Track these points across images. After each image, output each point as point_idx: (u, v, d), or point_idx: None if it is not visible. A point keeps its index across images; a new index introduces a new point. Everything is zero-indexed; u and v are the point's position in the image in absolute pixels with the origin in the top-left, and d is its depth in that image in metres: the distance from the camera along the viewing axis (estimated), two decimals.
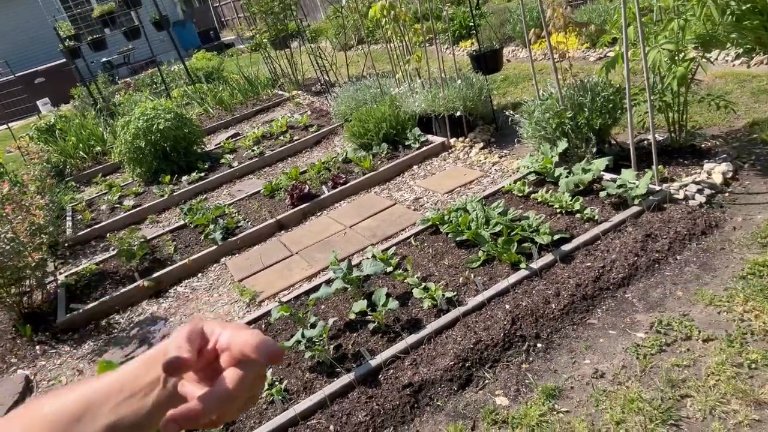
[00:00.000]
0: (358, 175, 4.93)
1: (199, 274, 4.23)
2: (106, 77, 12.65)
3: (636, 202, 3.17)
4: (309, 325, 2.89)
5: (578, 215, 3.27)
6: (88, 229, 5.59)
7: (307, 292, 3.33)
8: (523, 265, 2.94)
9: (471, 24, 9.41)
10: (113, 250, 4.74)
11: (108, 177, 7.41)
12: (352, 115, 5.59)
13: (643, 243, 2.96)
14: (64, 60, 13.05)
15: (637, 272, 2.85)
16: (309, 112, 7.44)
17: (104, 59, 17.67)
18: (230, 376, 0.55)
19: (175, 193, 5.92)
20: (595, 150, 3.62)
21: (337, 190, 4.74)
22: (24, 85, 15.28)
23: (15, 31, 17.59)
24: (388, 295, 2.89)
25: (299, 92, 8.71)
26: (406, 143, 5.22)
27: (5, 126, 14.04)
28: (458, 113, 4.92)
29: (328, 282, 3.17)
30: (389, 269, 3.24)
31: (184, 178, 6.22)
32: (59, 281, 4.47)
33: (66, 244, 5.26)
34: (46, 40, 15.86)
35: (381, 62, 8.42)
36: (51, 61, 15.62)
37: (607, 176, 3.54)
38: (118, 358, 3.42)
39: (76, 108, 11.42)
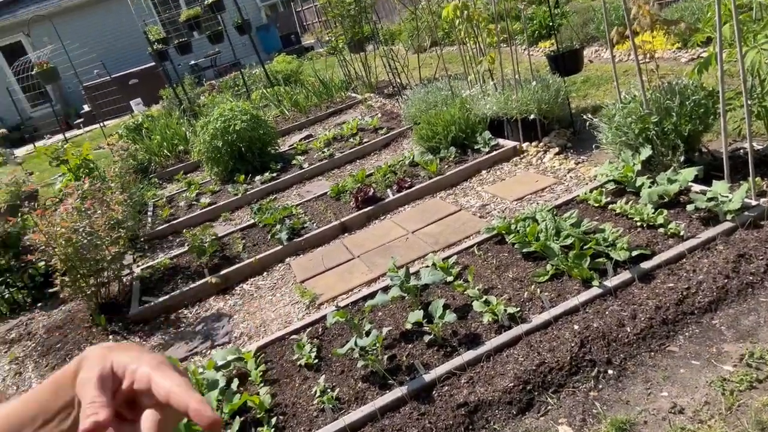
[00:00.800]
0: (424, 179, 4.82)
1: (265, 273, 4.27)
2: (193, 79, 13.30)
3: (728, 217, 2.85)
4: (364, 332, 2.82)
5: (661, 230, 2.98)
6: (166, 225, 5.83)
7: (365, 298, 3.25)
8: (595, 283, 2.72)
9: (551, 24, 9.05)
10: (187, 245, 4.89)
11: (189, 175, 7.73)
12: (421, 118, 5.48)
13: (735, 264, 2.65)
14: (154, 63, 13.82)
15: (727, 296, 2.55)
16: (379, 115, 7.40)
17: (192, 62, 18.61)
18: (151, 418, 0.50)
19: (248, 192, 6.06)
20: (682, 159, 3.30)
21: (401, 193, 4.65)
22: (119, 86, 16.38)
23: (110, 36, 18.86)
24: (445, 307, 2.76)
25: (372, 95, 8.70)
26: (476, 147, 5.04)
27: (102, 124, 15.11)
28: (532, 116, 4.69)
29: (386, 289, 3.08)
30: (449, 279, 3.10)
31: (258, 177, 6.35)
32: (135, 274, 4.67)
33: (143, 239, 5.50)
34: (138, 44, 16.86)
35: (454, 64, 8.25)
36: (142, 64, 16.59)
37: (696, 188, 3.22)
38: (183, 353, 3.51)
39: (164, 108, 12.07)
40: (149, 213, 6.39)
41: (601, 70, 6.68)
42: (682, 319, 2.51)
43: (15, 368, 3.96)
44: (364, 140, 6.59)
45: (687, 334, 2.46)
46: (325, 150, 6.53)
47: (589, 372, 2.39)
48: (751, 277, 2.59)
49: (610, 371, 2.38)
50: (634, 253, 2.79)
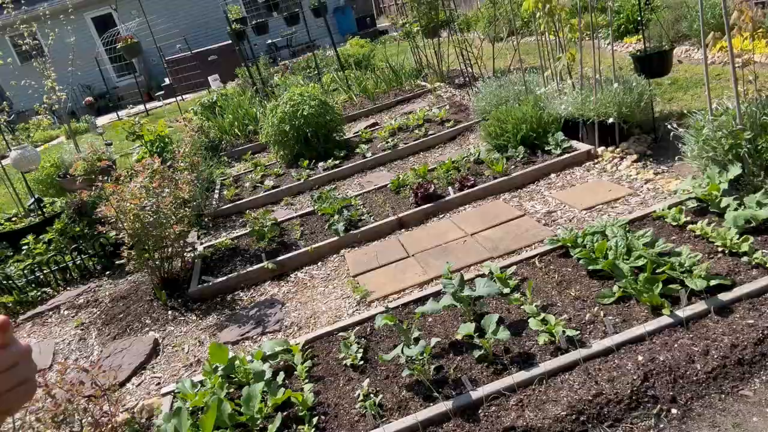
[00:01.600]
0: (488, 179, 4.66)
1: (319, 263, 4.28)
2: (267, 59, 13.52)
3: None
4: (412, 339, 2.75)
5: (745, 258, 2.72)
6: (231, 204, 5.96)
7: (417, 301, 3.18)
8: (666, 311, 2.51)
9: (639, 18, 8.51)
10: (249, 227, 4.97)
11: (256, 155, 7.87)
12: (490, 113, 5.30)
13: None
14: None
15: None
16: (447, 106, 7.23)
17: (269, 41, 18.95)
18: None
19: (310, 178, 6.09)
20: None
21: (463, 192, 4.52)
22: (198, 62, 16.93)
23: (193, 12, 19.42)
24: (500, 321, 2.64)
25: (442, 84, 8.52)
26: (546, 148, 4.81)
27: (181, 97, 15.67)
28: (610, 120, 4.41)
29: (437, 295, 3.00)
30: (506, 291, 2.97)
31: (321, 164, 6.38)
32: (198, 252, 4.81)
33: (208, 217, 5.64)
34: (218, 22, 17.29)
35: (531, 56, 7.94)
36: (222, 41, 17.04)
37: None
38: (235, 336, 3.57)
39: (239, 86, 12.37)
40: (216, 191, 6.57)
41: (690, 72, 6.22)
42: (761, 360, 2.28)
43: (80, 333, 4.18)
44: (430, 132, 6.46)
45: (764, 377, 2.23)
46: (389, 140, 6.45)
47: (651, 409, 2.22)
48: None
49: (673, 410, 2.20)
50: (713, 283, 2.56)
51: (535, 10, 4.78)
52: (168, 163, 4.62)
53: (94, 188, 4.42)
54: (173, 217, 4.05)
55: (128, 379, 3.45)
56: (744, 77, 3.21)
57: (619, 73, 4.91)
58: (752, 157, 3.07)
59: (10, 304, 4.77)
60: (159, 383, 3.34)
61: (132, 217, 3.99)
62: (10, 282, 4.89)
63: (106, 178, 4.25)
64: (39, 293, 4.92)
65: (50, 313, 4.67)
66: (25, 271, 4.99)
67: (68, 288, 5.05)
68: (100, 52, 19.05)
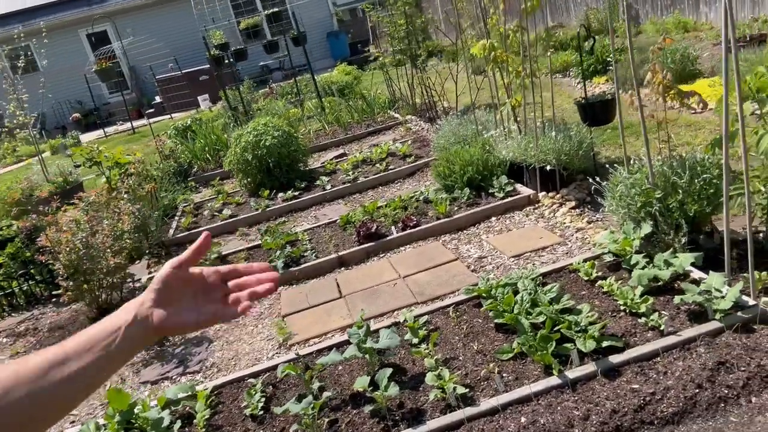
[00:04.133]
0: (432, 219, 4.71)
1: (256, 300, 4.28)
2: (251, 84, 13.67)
3: (717, 316, 2.59)
4: (317, 389, 2.77)
5: (643, 319, 2.75)
6: (186, 233, 5.99)
7: (335, 346, 3.19)
8: (555, 371, 2.54)
9: (609, 59, 8.66)
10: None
11: (225, 181, 7.92)
12: (440, 154, 5.37)
13: (712, 372, 2.40)
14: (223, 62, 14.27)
15: (695, 409, 2.31)
16: (410, 141, 7.32)
17: (261, 63, 19.18)
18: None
19: (268, 209, 6.14)
20: (685, 240, 3.05)
21: (405, 232, 4.56)
22: (188, 81, 17.09)
23: (183, 33, 19.52)
24: (393, 375, 2.66)
25: (413, 117, 8.63)
26: (491, 191, 4.87)
27: (169, 116, 15.75)
28: (549, 167, 4.48)
29: (342, 346, 3.01)
30: (415, 341, 3.00)
31: (280, 195, 6.43)
32: (141, 282, 4.82)
33: (158, 245, 5.66)
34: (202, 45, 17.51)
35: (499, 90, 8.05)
36: (207, 61, 17.20)
37: (697, 274, 2.96)
38: (155, 376, 3.57)
39: (224, 108, 12.48)
40: (177, 217, 6.60)
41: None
42: (639, 428, 2.29)
43: None
44: (390, 167, 6.53)
45: None
46: (351, 173, 6.52)
47: None
48: (726, 391, 2.33)
49: None
50: (605, 344, 2.58)
51: (481, 57, 4.88)
52: (113, 194, 4.66)
53: (26, 217, 4.45)
54: (109, 251, 4.08)
55: None
56: (659, 136, 3.28)
57: (563, 122, 4.99)
58: (663, 216, 3.12)
59: None
60: (74, 421, 3.34)
61: (68, 249, 4.02)
62: None
63: (47, 208, 4.28)
64: None
65: None
66: None
67: (13, 314, 5.05)
68: (91, 69, 19.25)
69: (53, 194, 6.39)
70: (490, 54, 4.70)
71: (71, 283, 4.17)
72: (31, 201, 5.07)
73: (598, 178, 3.66)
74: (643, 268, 3.00)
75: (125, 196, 4.77)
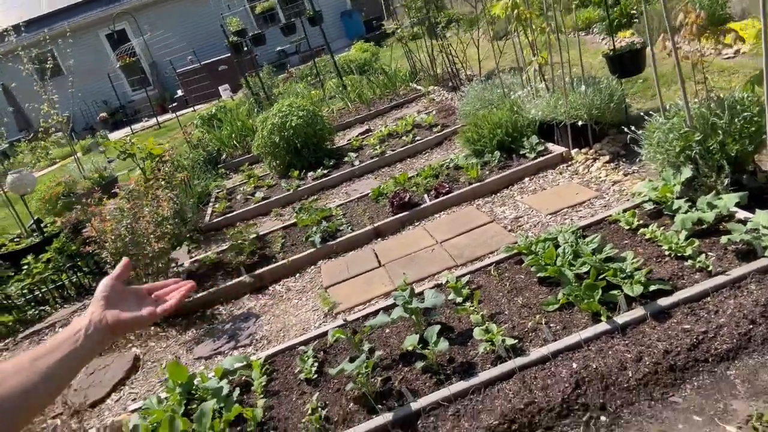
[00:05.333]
0: (464, 185, 4.70)
1: (297, 275, 4.38)
2: (271, 68, 13.70)
3: (766, 253, 2.56)
4: (367, 351, 2.83)
5: (689, 262, 2.73)
6: (222, 217, 6.11)
7: (376, 312, 3.25)
8: (603, 318, 2.55)
9: (633, 12, 8.43)
10: (228, 242, 5.09)
11: (253, 166, 8.01)
12: (468, 119, 5.33)
13: (765, 308, 2.38)
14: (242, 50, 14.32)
15: (749, 345, 2.30)
16: (435, 111, 7.28)
17: (278, 48, 19.19)
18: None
19: (299, 188, 6.21)
20: (728, 181, 2.99)
21: (438, 200, 4.57)
22: (208, 73, 17.23)
23: (200, 24, 19.71)
24: (447, 330, 2.72)
25: (435, 87, 8.56)
26: (522, 152, 4.83)
27: (192, 109, 15.96)
28: (580, 122, 4.42)
29: (391, 307, 3.06)
30: (459, 299, 3.03)
31: (310, 174, 6.49)
32: (184, 267, 4.96)
33: (196, 231, 5.79)
34: (220, 32, 17.56)
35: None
36: (226, 51, 17.28)
37: (742, 214, 2.91)
38: (208, 351, 3.70)
39: (246, 96, 12.57)
40: (210, 204, 6.73)
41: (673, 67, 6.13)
42: (693, 366, 2.30)
43: None
44: (417, 138, 6.52)
45: (695, 384, 2.25)
46: (378, 147, 6.53)
47: (581, 416, 2.26)
48: None
49: (603, 418, 2.23)
50: (651, 288, 2.57)
51: (508, 16, 4.80)
52: (150, 182, 4.78)
53: (74, 210, 4.60)
54: (152, 236, 4.19)
55: (108, 395, 3.60)
56: (695, 76, 3.21)
57: (596, 73, 4.90)
58: (704, 159, 3.06)
59: (10, 323, 4.99)
60: (135, 398, 3.49)
61: (113, 237, 4.15)
62: (10, 301, 5.11)
63: (89, 200, 4.42)
64: (37, 312, 5.14)
65: (46, 330, 4.88)
66: (24, 291, 5.21)
67: (65, 306, 5.26)
68: (114, 67, 19.55)
69: (91, 189, 6.57)
70: (513, 12, 4.62)
71: None
72: (70, 198, 5.23)
73: (633, 127, 3.59)
74: (685, 213, 2.96)
75: (162, 183, 4.88)
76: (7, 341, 4.85)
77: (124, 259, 1.10)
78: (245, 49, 10.36)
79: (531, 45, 5.03)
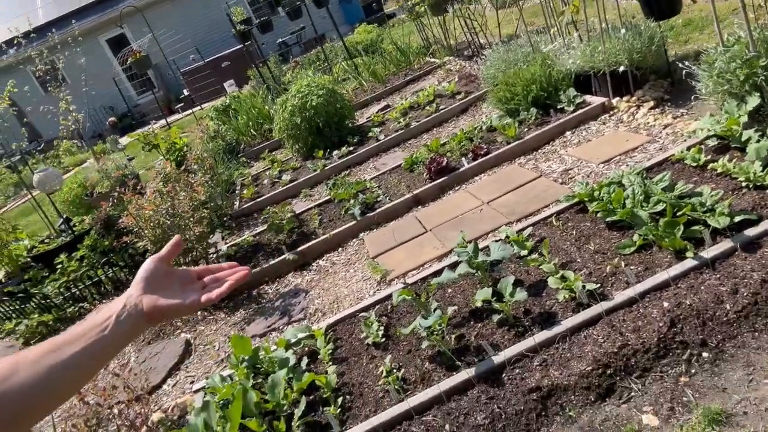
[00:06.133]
0: (502, 145, 4.55)
1: (339, 249, 4.27)
2: (277, 57, 13.56)
3: None
4: (432, 310, 2.71)
5: None
6: (252, 203, 6.00)
7: (435, 274, 3.14)
8: (690, 254, 2.41)
9: None
10: (268, 223, 5.00)
11: (273, 152, 7.90)
12: (499, 78, 5.17)
13: None
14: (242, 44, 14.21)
15: None
16: (456, 79, 7.10)
17: (279, 40, 19.02)
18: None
19: (326, 168, 6.08)
20: None
21: (477, 162, 4.43)
22: (212, 69, 17.12)
23: (201, 21, 19.62)
24: (518, 283, 2.59)
25: (450, 58, 8.38)
26: (559, 106, 4.67)
27: (200, 106, 15.88)
28: (621, 68, 4.25)
29: (453, 266, 2.94)
30: (523, 253, 2.90)
31: (335, 152, 6.36)
32: (222, 251, 4.86)
33: (228, 217, 5.70)
34: (227, 27, 17.38)
35: (539, 17, 7.71)
36: (233, 46, 17.16)
37: None
38: (261, 329, 3.60)
39: (253, 88, 12.45)
40: (237, 191, 6.63)
41: (705, 11, 5.92)
42: None
43: None
44: (441, 107, 6.36)
45: None
46: (401, 120, 6.38)
47: (680, 355, 2.13)
48: None
49: (704, 354, 2.10)
50: (737, 219, 2.43)
51: None
52: (183, 168, 4.68)
53: (110, 200, 4.51)
54: (191, 219, 4.10)
55: (164, 381, 3.52)
56: (754, 3, 3.03)
57: (629, 21, 4.71)
58: None
59: (50, 322, 4.93)
60: (193, 381, 3.40)
61: (152, 224, 4.06)
62: (48, 301, 5.05)
63: (122, 189, 4.33)
64: (77, 309, 5.07)
65: None
66: (61, 289, 5.15)
67: (104, 300, 5.19)
68: (117, 72, 19.47)
69: (114, 186, 6.49)
70: None
71: None
72: (93, 198, 5.15)
73: (687, 63, 3.42)
74: (758, 142, 2.80)
75: (195, 167, 4.78)
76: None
77: (176, 237, 0.97)
78: (253, 36, 10.20)
79: None
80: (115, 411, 2.65)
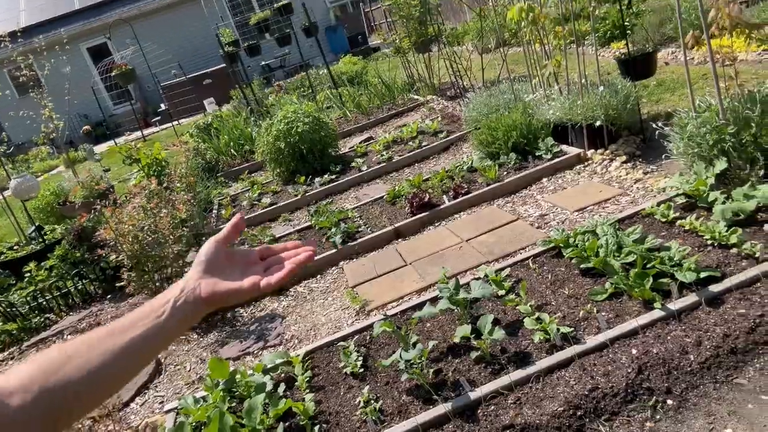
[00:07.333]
0: (482, 186, 4.71)
1: (318, 276, 4.32)
2: (261, 80, 13.69)
3: None
4: (411, 343, 2.78)
5: (734, 250, 2.77)
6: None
7: (415, 307, 3.22)
8: (657, 305, 2.55)
9: (625, 24, 8.65)
10: (246, 245, 5.02)
11: (253, 174, 7.94)
12: (481, 122, 5.37)
13: None
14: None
15: None
16: (440, 118, 7.32)
17: (263, 63, 19.18)
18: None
19: (307, 194, 6.15)
20: (762, 172, 3.05)
21: (457, 200, 4.57)
22: (193, 86, 17.11)
23: (186, 38, 19.71)
24: (495, 322, 2.69)
25: (434, 97, 8.63)
26: (537, 153, 4.88)
27: (177, 122, 15.81)
28: (598, 123, 4.48)
29: (434, 300, 3.03)
30: (501, 293, 3.01)
31: (317, 179, 6.44)
32: None
33: (203, 237, 5.68)
34: (211, 45, 17.41)
35: (520, 65, 8.04)
36: (216, 65, 17.23)
37: None
38: (235, 352, 3.60)
39: (234, 108, 12.50)
40: (214, 211, 6.63)
41: (677, 73, 6.31)
42: (753, 349, 2.31)
43: None
44: (423, 144, 6.54)
45: (758, 365, 2.26)
46: (384, 153, 6.53)
47: (647, 401, 2.24)
48: None
49: (669, 401, 2.22)
50: (703, 275, 2.60)
51: (520, 20, 4.88)
52: (164, 185, 4.69)
53: (92, 212, 4.48)
54: (171, 237, 4.10)
55: (132, 399, 3.47)
56: (725, 74, 3.28)
57: (606, 77, 4.99)
58: (737, 151, 3.13)
59: (15, 332, 4.79)
60: (162, 401, 3.37)
61: (131, 239, 4.04)
62: (14, 309, 4.92)
63: (104, 202, 4.31)
64: (42, 319, 4.95)
65: (54, 338, 4.70)
66: (28, 298, 5.03)
67: (71, 313, 5.09)
68: (96, 81, 19.27)
69: (89, 198, 6.41)
70: (528, 16, 4.70)
71: (134, 274, 4.19)
72: (67, 206, 5.09)
73: (659, 123, 3.66)
74: (723, 203, 3.00)
75: (177, 185, 4.79)
76: (12, 349, 4.66)
77: (237, 216, 0.91)
78: (237, 60, 10.32)
79: (543, 49, 5.10)
80: (86, 425, 2.61)
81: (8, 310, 4.88)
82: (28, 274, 5.29)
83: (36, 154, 17.31)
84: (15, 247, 6.02)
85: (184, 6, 19.90)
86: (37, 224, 6.31)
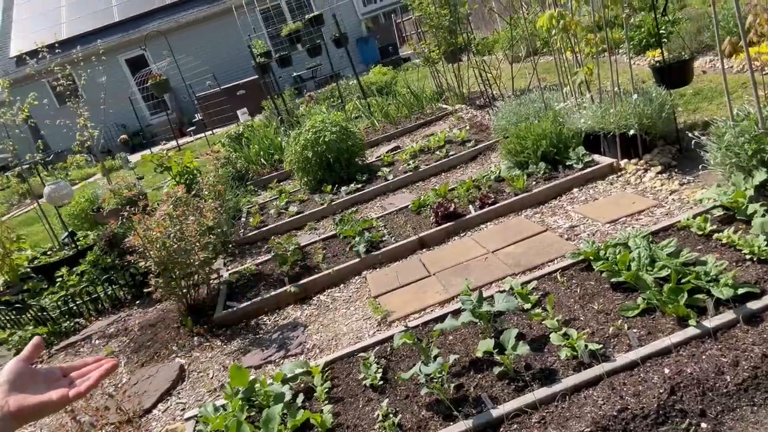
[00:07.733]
0: (509, 196, 4.62)
1: (341, 285, 4.28)
2: (293, 91, 13.84)
3: None
4: (432, 356, 2.71)
5: None
6: (256, 231, 6.04)
7: (437, 319, 3.14)
8: (692, 322, 2.43)
9: (661, 32, 8.44)
10: (273, 252, 5.03)
11: (281, 183, 8.00)
12: (510, 131, 5.28)
13: None
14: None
15: None
16: (468, 127, 7.24)
17: (295, 74, 19.42)
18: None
19: (333, 203, 6.15)
20: None
21: (484, 210, 4.49)
22: (227, 97, 17.43)
23: (220, 49, 20.10)
24: (520, 337, 2.60)
25: (462, 106, 8.56)
26: (567, 163, 4.76)
27: (211, 132, 16.11)
28: (631, 132, 4.35)
29: (456, 313, 2.95)
30: (527, 306, 2.92)
31: (343, 188, 6.43)
32: (223, 278, 4.88)
33: (233, 244, 5.73)
34: (245, 57, 17.74)
35: (551, 74, 7.92)
36: (249, 76, 17.49)
37: None
38: (257, 360, 3.58)
39: (266, 118, 12.67)
40: (242, 219, 6.68)
41: (715, 82, 6.10)
42: None
43: None
44: (450, 153, 6.47)
45: None
46: (411, 162, 6.48)
47: (679, 423, 2.12)
48: None
49: (703, 425, 2.10)
50: (740, 291, 2.46)
51: (551, 27, 4.79)
52: (193, 192, 4.74)
53: (120, 218, 4.55)
54: (198, 244, 4.13)
55: (154, 405, 3.49)
56: (765, 82, 3.14)
57: (641, 86, 4.85)
58: None
59: (45, 335, 4.90)
60: (184, 408, 3.37)
61: (158, 246, 4.08)
62: (45, 313, 5.03)
63: (132, 209, 4.37)
64: (72, 324, 5.05)
65: (82, 342, 4.78)
66: (59, 303, 5.14)
67: (100, 318, 5.17)
68: (133, 91, 19.83)
69: (118, 205, 6.54)
70: (559, 23, 4.60)
71: (161, 281, 4.23)
72: (100, 213, 5.19)
73: (696, 132, 3.52)
74: (763, 216, 2.86)
75: (206, 193, 4.84)
76: (42, 353, 4.75)
77: (35, 339, 0.98)
78: (269, 71, 10.45)
79: (575, 57, 5.00)
80: (108, 431, 2.63)
81: (39, 314, 4.99)
82: (60, 279, 5.40)
83: (73, 161, 17.86)
84: (48, 253, 6.17)
85: (218, 18, 20.34)
86: (70, 230, 6.47)
